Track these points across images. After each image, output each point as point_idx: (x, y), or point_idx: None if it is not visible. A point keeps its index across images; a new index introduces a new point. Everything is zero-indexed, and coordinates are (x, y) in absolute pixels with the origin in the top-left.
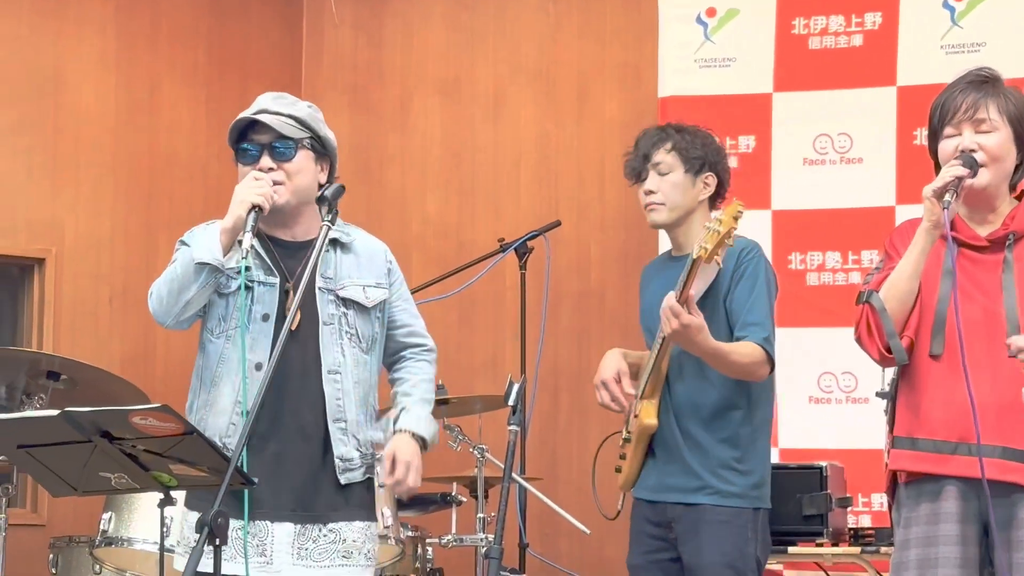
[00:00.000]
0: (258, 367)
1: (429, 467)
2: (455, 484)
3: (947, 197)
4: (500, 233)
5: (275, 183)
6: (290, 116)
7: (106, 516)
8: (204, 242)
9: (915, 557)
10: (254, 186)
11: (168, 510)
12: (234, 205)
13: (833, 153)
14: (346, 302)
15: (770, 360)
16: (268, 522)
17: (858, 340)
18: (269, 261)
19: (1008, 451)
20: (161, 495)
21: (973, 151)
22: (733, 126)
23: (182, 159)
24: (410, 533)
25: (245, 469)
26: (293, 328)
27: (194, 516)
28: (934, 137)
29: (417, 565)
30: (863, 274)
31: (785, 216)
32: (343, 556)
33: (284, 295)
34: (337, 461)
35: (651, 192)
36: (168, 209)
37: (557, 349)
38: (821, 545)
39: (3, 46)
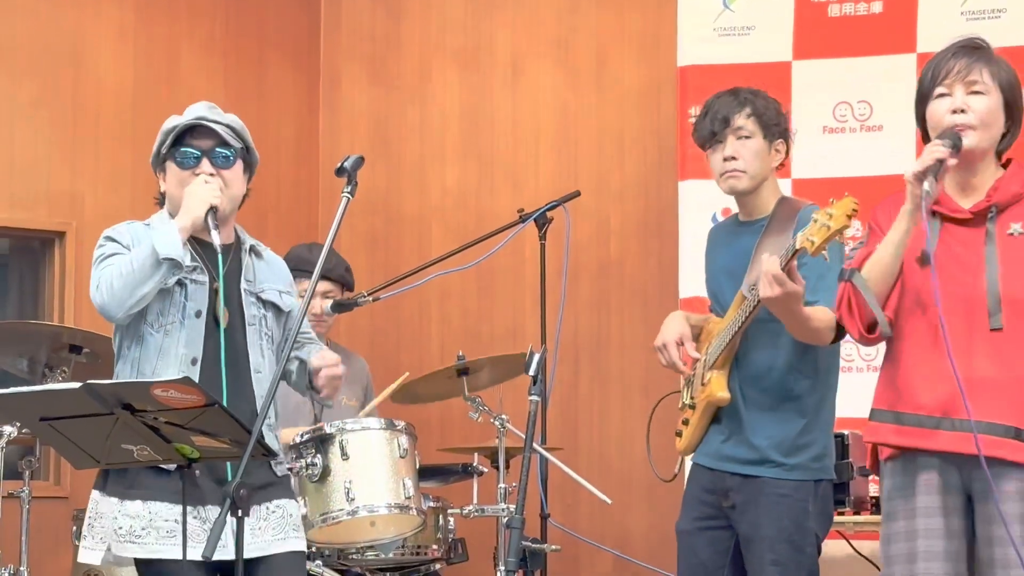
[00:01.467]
0: (193, 362)
1: (449, 438)
2: (476, 455)
3: (926, 186)
4: (519, 203)
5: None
6: (227, 125)
7: None
8: (166, 239)
9: (902, 528)
10: (208, 187)
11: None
12: (192, 205)
13: (853, 121)
14: (265, 304)
15: (838, 326)
16: (216, 507)
17: (839, 319)
18: (199, 260)
19: (992, 426)
20: (184, 467)
21: (963, 111)
22: None
23: None
24: (431, 504)
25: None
26: (225, 326)
27: (129, 504)
28: (923, 101)
29: (439, 536)
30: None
31: (806, 184)
32: (294, 528)
33: (213, 293)
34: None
35: (732, 158)
36: None
37: (577, 319)
38: (843, 514)
39: (22, 20)
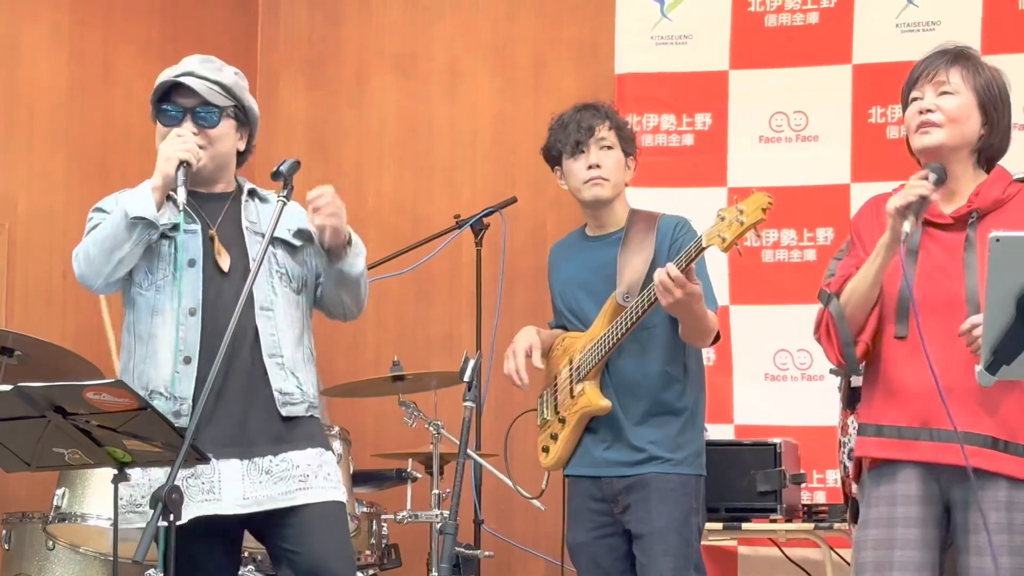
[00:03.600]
0: (191, 312)
1: (384, 444)
2: (410, 460)
3: (906, 227)
4: (456, 209)
5: (200, 147)
6: (216, 82)
7: (59, 492)
8: (136, 199)
9: (873, 537)
10: (179, 143)
11: (122, 486)
12: (161, 163)
13: (789, 131)
14: (274, 241)
15: (716, 328)
16: (214, 460)
17: (818, 340)
18: (190, 209)
19: (969, 435)
20: (115, 471)
21: (930, 111)
22: (689, 103)
23: (136, 133)
24: (365, 509)
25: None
26: (226, 270)
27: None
28: (906, 107)
29: (372, 541)
30: (818, 252)
31: (741, 194)
32: (300, 481)
33: (208, 241)
34: (276, 394)
35: (596, 166)
36: (121, 183)
37: (513, 325)
38: (775, 521)
39: None
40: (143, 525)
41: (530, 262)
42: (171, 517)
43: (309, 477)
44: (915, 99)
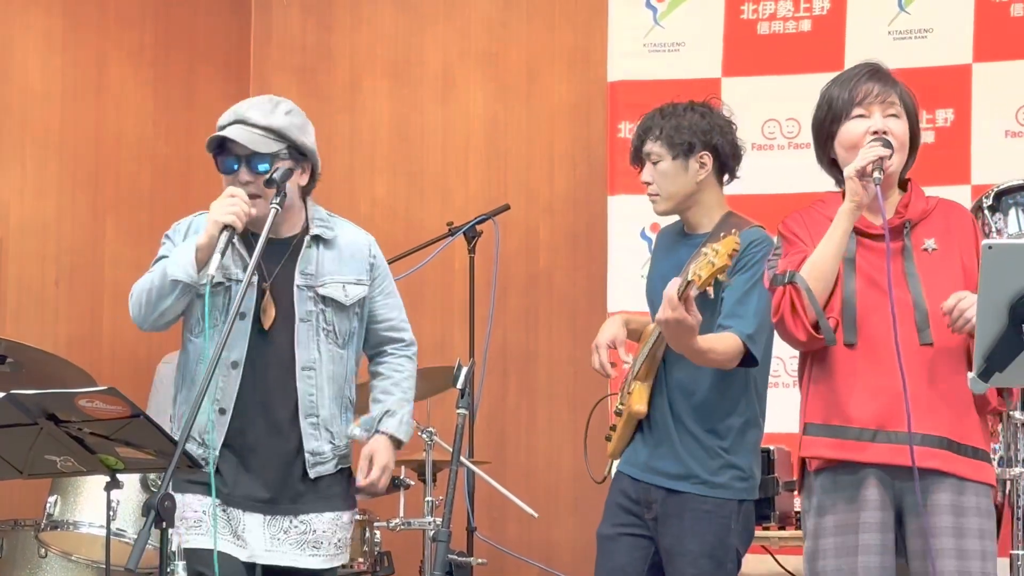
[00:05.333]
0: (234, 365)
1: None
2: (403, 467)
3: (876, 174)
4: (449, 216)
5: (252, 196)
6: (265, 128)
7: (52, 499)
8: (180, 258)
9: (832, 545)
10: (227, 206)
11: (114, 493)
12: (209, 224)
13: (781, 138)
14: (325, 299)
15: (749, 355)
16: (240, 511)
17: (779, 323)
18: (248, 259)
19: (925, 437)
20: (107, 478)
21: (885, 132)
22: None
23: (129, 140)
24: (357, 516)
25: (217, 462)
26: (267, 327)
27: (188, 498)
28: (834, 121)
29: (365, 548)
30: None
31: (733, 201)
32: (313, 546)
33: (261, 294)
34: (307, 456)
35: (648, 183)
36: (115, 190)
37: (506, 333)
38: (768, 528)
39: None
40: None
41: (523, 269)
42: (163, 524)
43: (323, 544)
44: (859, 116)
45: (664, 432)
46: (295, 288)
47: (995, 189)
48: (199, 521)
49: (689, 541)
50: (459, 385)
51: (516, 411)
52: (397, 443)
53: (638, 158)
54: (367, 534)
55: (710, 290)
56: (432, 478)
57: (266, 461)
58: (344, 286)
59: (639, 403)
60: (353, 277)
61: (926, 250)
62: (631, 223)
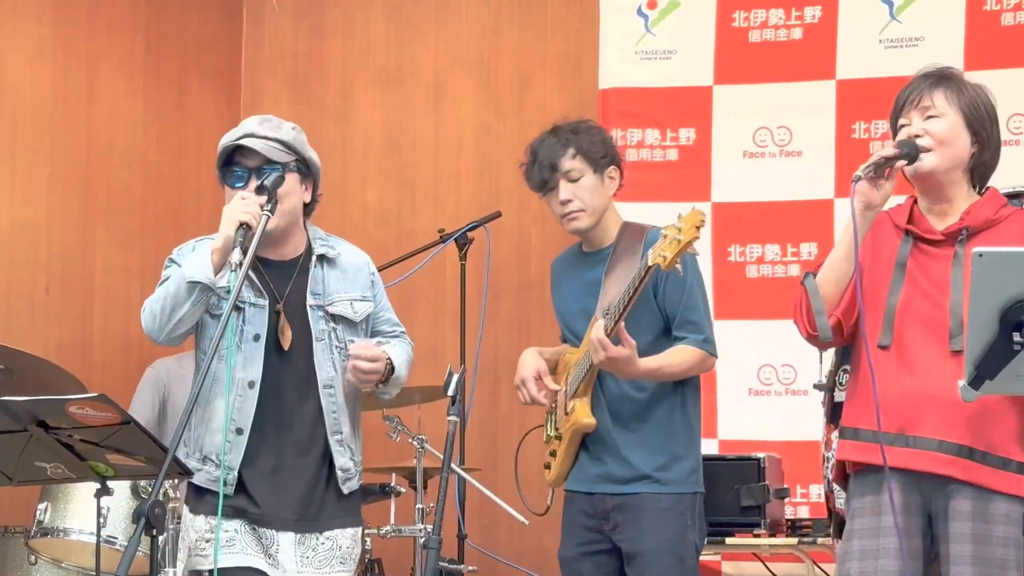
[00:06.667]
0: (251, 385)
1: (368, 458)
2: (394, 475)
3: (858, 172)
4: (440, 223)
5: (263, 207)
6: (276, 140)
7: (42, 506)
8: (196, 261)
9: (857, 548)
10: (241, 206)
11: (105, 500)
12: (223, 225)
13: (773, 146)
14: (335, 317)
15: (711, 355)
16: (273, 531)
17: (795, 322)
18: (259, 283)
19: (944, 444)
20: (98, 485)
21: (919, 136)
22: (673, 118)
23: (120, 147)
24: None
25: (243, 484)
26: (286, 348)
27: (196, 519)
28: (893, 135)
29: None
30: (802, 267)
31: (725, 208)
32: (340, 562)
33: (275, 316)
34: (339, 472)
35: (568, 201)
36: (105, 197)
37: (497, 340)
38: (759, 536)
39: None
40: (206, 567)
41: (514, 276)
42: (153, 532)
43: (347, 560)
44: (903, 126)
45: (609, 441)
46: (308, 308)
47: None
48: (231, 541)
49: (650, 540)
50: (450, 392)
51: (507, 418)
52: (390, 366)
53: (551, 177)
54: None
55: (678, 267)
56: (423, 485)
57: (294, 480)
58: (352, 303)
59: (586, 417)
60: (359, 294)
61: None
62: None
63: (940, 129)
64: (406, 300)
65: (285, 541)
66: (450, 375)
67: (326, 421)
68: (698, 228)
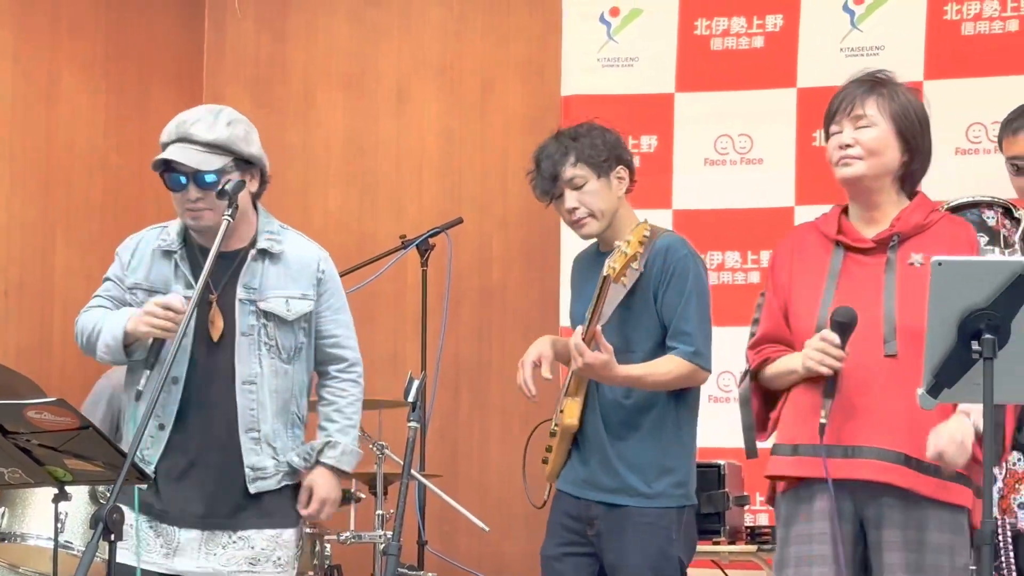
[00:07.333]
0: (174, 381)
1: None
2: (354, 481)
3: (821, 418)
4: (402, 229)
5: (203, 209)
6: (208, 144)
7: None
8: (110, 333)
9: (794, 554)
10: (152, 320)
11: (63, 505)
12: (141, 327)
13: (734, 153)
14: (266, 314)
15: (702, 369)
16: (176, 528)
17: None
18: (191, 275)
19: (883, 452)
20: (55, 490)
21: (850, 145)
22: (635, 126)
23: (80, 151)
24: (308, 530)
25: (155, 477)
26: (216, 339)
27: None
28: (826, 139)
29: (315, 562)
30: (762, 274)
31: (686, 215)
32: (249, 563)
33: (207, 307)
34: (247, 470)
35: (575, 209)
36: (66, 201)
37: (458, 346)
38: (718, 543)
39: None
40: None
41: (476, 283)
42: (111, 537)
43: (260, 561)
44: (835, 132)
45: (598, 446)
46: (237, 302)
47: (945, 206)
48: (127, 536)
49: (631, 554)
50: (410, 398)
51: (468, 425)
52: (341, 473)
53: (554, 187)
54: (317, 547)
55: (624, 280)
56: (383, 491)
57: (204, 475)
58: (287, 301)
59: (571, 417)
60: (299, 292)
61: (911, 264)
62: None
63: (870, 138)
64: (367, 306)
65: (187, 538)
66: (411, 381)
67: (240, 417)
68: (641, 243)
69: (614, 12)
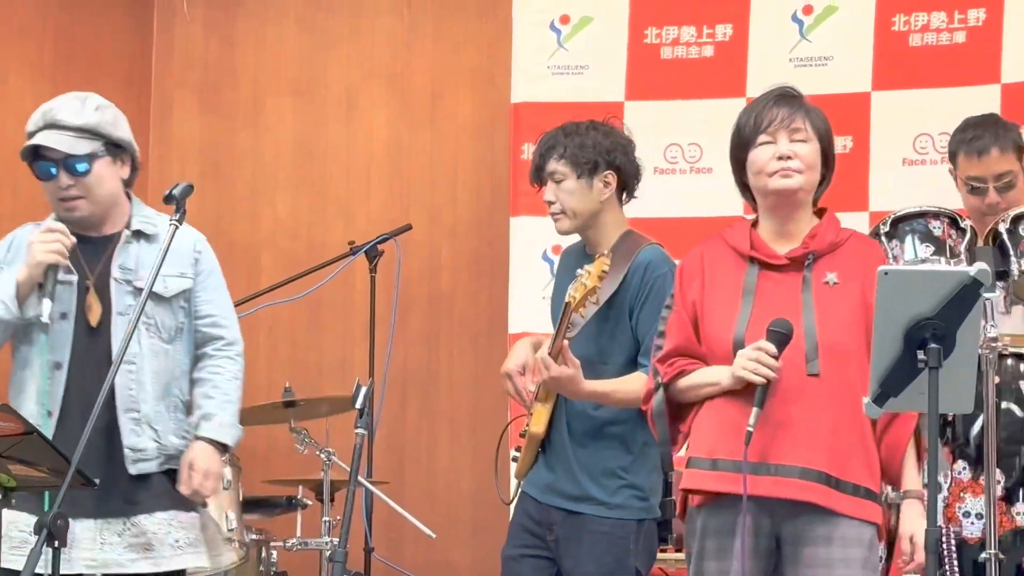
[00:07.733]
0: (57, 367)
1: (274, 470)
2: (301, 487)
3: (752, 422)
4: (351, 235)
5: (75, 197)
6: (77, 128)
7: None
8: (3, 293)
9: (714, 569)
10: (47, 244)
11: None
12: (30, 262)
13: (683, 162)
14: (141, 292)
15: None
16: (70, 519)
17: (645, 412)
18: (69, 260)
19: (806, 471)
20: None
21: (789, 156)
22: None
23: None
24: (254, 536)
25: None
26: (95, 324)
27: (15, 515)
28: (743, 147)
29: (261, 569)
30: None
31: (636, 224)
32: (145, 549)
33: (84, 291)
34: (127, 451)
35: (551, 203)
36: (11, 202)
37: (407, 353)
38: (666, 551)
39: None
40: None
41: (424, 290)
42: (56, 543)
43: (154, 546)
44: (766, 143)
45: (563, 453)
46: (112, 282)
47: (892, 216)
48: (24, 542)
49: (588, 563)
50: (358, 404)
51: (416, 432)
52: (220, 447)
53: (539, 177)
54: (263, 554)
55: (582, 311)
56: (330, 498)
57: (96, 462)
58: (164, 279)
59: (537, 425)
60: (176, 271)
61: (827, 283)
62: (533, 245)
63: (806, 152)
64: (315, 312)
65: (81, 529)
66: (358, 388)
67: (118, 398)
68: (599, 278)
69: (564, 20)
